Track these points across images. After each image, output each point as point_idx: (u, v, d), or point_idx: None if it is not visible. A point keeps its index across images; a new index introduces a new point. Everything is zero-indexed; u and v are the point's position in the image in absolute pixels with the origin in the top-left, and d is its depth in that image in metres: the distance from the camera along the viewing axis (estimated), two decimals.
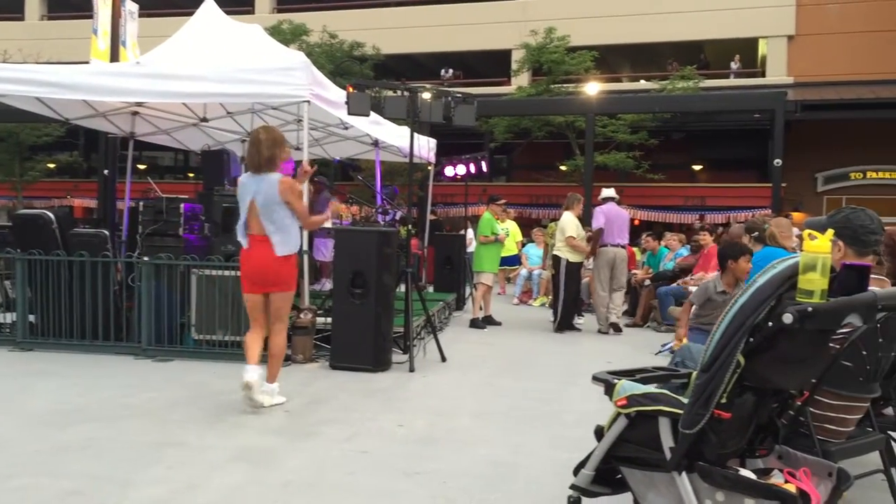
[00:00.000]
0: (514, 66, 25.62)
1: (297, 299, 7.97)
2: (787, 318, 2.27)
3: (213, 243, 7.74)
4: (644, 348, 8.79)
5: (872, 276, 2.77)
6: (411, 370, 6.85)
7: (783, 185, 18.64)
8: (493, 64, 27.88)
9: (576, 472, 2.82)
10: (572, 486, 2.82)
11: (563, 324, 10.13)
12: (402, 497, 3.71)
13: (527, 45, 24.04)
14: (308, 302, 7.43)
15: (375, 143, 11.75)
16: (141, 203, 7.87)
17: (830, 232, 2.40)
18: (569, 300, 10.19)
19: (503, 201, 11.19)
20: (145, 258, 7.23)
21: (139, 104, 9.10)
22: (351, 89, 7.63)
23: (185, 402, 5.50)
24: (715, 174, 25.86)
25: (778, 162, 17.18)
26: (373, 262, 6.79)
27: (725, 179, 24.56)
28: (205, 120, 9.95)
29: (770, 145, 19.62)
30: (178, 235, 7.66)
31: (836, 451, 3.02)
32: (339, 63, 24.13)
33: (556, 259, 10.15)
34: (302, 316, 7.15)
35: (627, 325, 10.79)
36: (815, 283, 2.32)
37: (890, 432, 3.56)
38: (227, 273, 7.06)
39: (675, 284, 10.40)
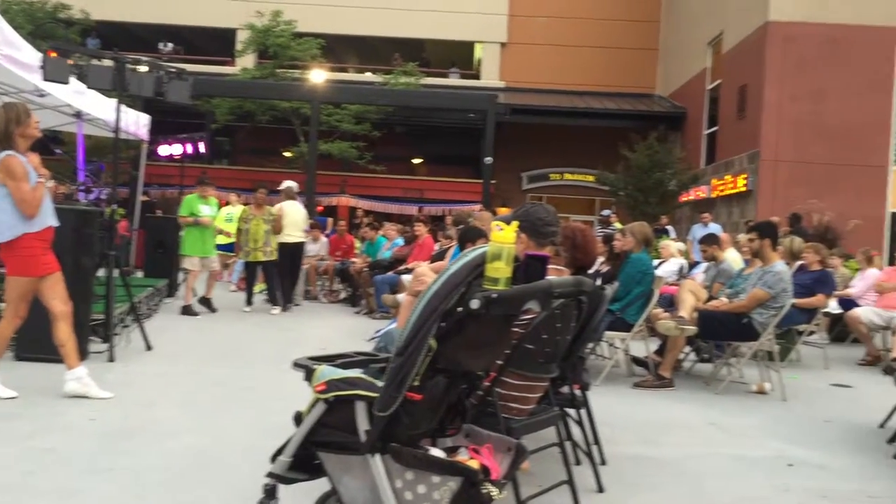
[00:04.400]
0: (238, 46, 24.84)
1: None
2: (475, 304, 2.42)
3: None
4: (358, 335, 8.95)
5: (552, 266, 3.03)
6: (111, 360, 6.40)
7: (493, 181, 19.92)
8: (216, 42, 26.83)
9: (273, 459, 2.78)
10: (269, 474, 2.78)
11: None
12: (85, 496, 3.44)
13: (252, 26, 23.40)
14: None
15: (78, 115, 10.79)
16: None
17: (515, 224, 2.59)
18: None
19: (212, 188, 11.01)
20: None
21: None
22: (52, 54, 6.97)
23: None
24: (433, 168, 27.02)
25: (488, 160, 18.28)
26: (68, 243, 6.22)
27: (442, 174, 25.75)
28: None
29: (482, 144, 20.90)
30: None
31: (518, 427, 3.27)
32: (39, 24, 21.89)
33: (303, 245, 11.22)
34: None
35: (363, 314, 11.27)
36: (500, 271, 2.48)
37: (565, 408, 3.95)
38: None
39: (390, 273, 10.72)
